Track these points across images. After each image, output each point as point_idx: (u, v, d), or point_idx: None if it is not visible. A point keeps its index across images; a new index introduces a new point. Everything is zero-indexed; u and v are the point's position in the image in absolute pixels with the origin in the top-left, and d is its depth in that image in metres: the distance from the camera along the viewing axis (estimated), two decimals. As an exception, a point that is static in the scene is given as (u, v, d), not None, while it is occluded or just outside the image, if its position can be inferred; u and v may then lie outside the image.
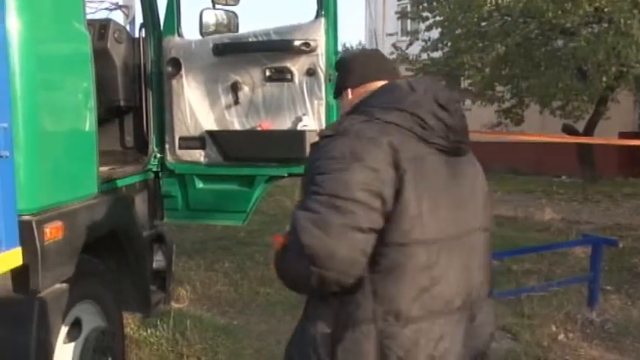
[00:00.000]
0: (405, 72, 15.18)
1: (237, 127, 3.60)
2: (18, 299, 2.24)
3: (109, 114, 3.73)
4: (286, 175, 3.61)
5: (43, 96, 2.29)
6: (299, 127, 3.45)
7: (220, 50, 3.53)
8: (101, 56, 3.59)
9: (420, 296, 1.48)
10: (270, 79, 3.50)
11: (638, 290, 5.24)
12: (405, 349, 1.46)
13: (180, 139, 3.71)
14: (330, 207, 1.42)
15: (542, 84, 10.91)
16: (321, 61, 3.40)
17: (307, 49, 3.38)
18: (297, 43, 3.37)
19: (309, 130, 3.40)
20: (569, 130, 13.63)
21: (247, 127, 3.58)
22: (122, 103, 3.70)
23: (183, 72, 3.63)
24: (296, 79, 3.45)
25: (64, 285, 2.46)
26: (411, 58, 13.18)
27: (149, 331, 4.22)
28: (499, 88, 12.86)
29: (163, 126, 3.75)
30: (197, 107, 3.65)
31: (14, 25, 2.17)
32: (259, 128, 3.53)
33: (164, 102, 3.72)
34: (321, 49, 3.40)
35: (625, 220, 8.99)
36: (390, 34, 16.41)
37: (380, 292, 1.46)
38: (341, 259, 1.42)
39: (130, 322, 4.27)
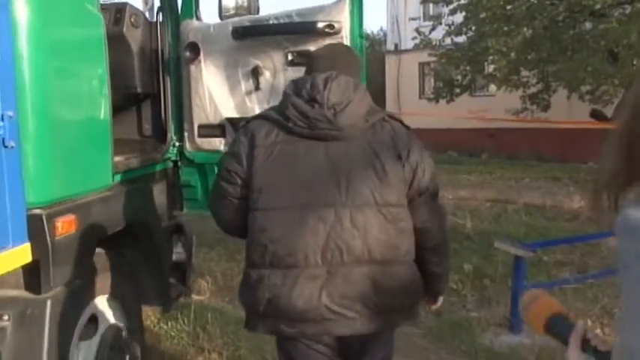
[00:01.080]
0: (428, 57, 14.93)
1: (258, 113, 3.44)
2: (29, 297, 2.12)
3: (125, 101, 3.60)
4: (310, 164, 3.45)
5: (54, 82, 2.16)
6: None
7: (240, 34, 3.37)
8: (117, 41, 3.46)
9: (260, 249, 1.91)
10: (292, 63, 3.34)
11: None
12: (250, 285, 1.95)
13: (200, 126, 3.57)
14: (215, 184, 2.09)
15: (571, 68, 10.56)
16: (345, 43, 3.22)
17: (331, 31, 3.20)
18: (320, 25, 3.20)
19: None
20: (597, 115, 13.26)
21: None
22: (139, 89, 3.57)
23: (201, 57, 3.48)
24: (319, 63, 3.27)
25: (78, 281, 2.33)
26: (434, 43, 12.90)
27: (169, 324, 4.12)
28: (524, 73, 12.53)
29: (182, 113, 3.61)
30: (216, 93, 3.50)
31: (21, 7, 2.03)
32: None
33: (182, 88, 3.57)
34: (346, 32, 3.22)
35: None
36: (413, 19, 16.08)
37: (246, 245, 1.97)
38: (219, 220, 2.12)
39: (151, 316, 4.18)
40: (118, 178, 2.71)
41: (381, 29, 25.23)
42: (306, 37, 3.28)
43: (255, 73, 3.41)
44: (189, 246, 3.75)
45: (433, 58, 14.16)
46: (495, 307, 4.46)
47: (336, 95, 1.93)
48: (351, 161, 1.93)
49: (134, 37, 3.50)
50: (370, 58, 35.78)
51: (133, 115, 3.75)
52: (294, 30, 3.29)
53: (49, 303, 2.09)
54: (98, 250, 2.65)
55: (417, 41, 13.45)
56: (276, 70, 3.39)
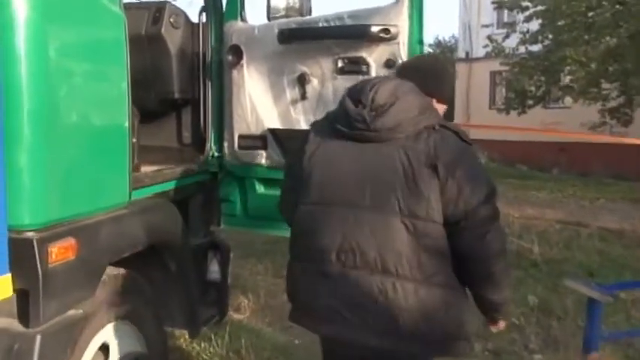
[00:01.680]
0: (500, 66, 14.29)
1: (303, 125, 3.13)
2: (19, 331, 1.87)
3: (162, 107, 3.37)
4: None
5: (56, 85, 1.89)
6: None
7: (286, 37, 3.06)
8: (155, 42, 3.23)
9: (292, 241, 2.07)
10: (342, 71, 3.01)
11: None
12: (287, 276, 2.11)
13: (240, 137, 3.29)
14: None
15: (659, 82, 9.76)
16: (402, 50, 2.86)
17: (386, 36, 2.85)
18: (374, 29, 2.85)
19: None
20: (684, 133, 12.31)
21: (315, 126, 3.10)
22: (177, 95, 3.32)
23: (244, 61, 3.20)
24: (372, 72, 2.93)
25: (82, 311, 2.07)
26: (507, 51, 12.29)
27: (202, 345, 3.85)
28: (605, 85, 11.72)
29: (222, 122, 3.33)
30: (259, 102, 3.21)
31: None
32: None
33: (224, 95, 3.30)
34: (403, 37, 2.86)
35: None
36: (486, 26, 15.41)
37: None
38: (281, 210, 2.26)
39: (184, 334, 3.92)
40: (138, 193, 2.44)
41: (453, 36, 24.58)
42: (358, 42, 2.95)
43: (302, 80, 3.10)
44: (226, 265, 3.46)
45: (505, 67, 13.52)
46: (563, 351, 3.96)
47: (382, 97, 1.90)
48: (382, 165, 1.88)
49: (173, 39, 3.25)
50: (440, 65, 35.25)
51: (170, 122, 3.50)
52: (345, 34, 2.95)
53: (38, 338, 1.84)
54: (115, 271, 2.39)
55: (489, 49, 12.86)
56: (325, 79, 3.07)
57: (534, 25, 11.58)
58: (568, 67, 11.34)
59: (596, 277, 5.65)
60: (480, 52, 16.34)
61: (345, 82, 2.99)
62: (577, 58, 10.52)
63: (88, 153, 2.05)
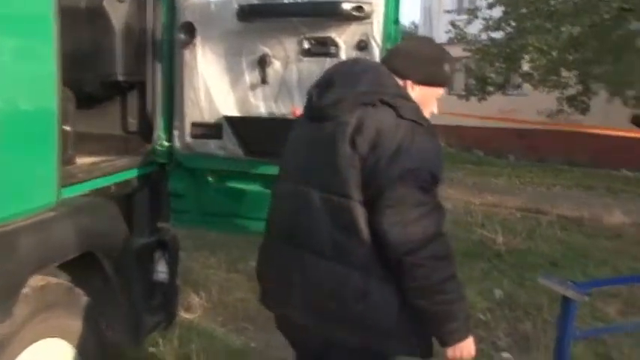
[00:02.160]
0: (461, 52, 14.14)
1: (263, 113, 2.81)
2: None
3: (104, 90, 2.98)
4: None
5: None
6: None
7: (246, 14, 2.72)
8: (96, 17, 2.85)
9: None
10: (308, 52, 2.70)
11: None
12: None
13: (193, 125, 2.94)
14: None
15: (618, 71, 9.74)
16: (376, 31, 2.57)
17: (359, 14, 2.55)
18: (346, 6, 2.54)
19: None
20: (638, 121, 12.45)
21: (277, 113, 2.79)
22: (121, 77, 2.94)
23: (198, 40, 2.85)
24: (342, 54, 2.63)
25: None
26: (469, 37, 12.13)
27: (150, 350, 3.52)
28: (564, 73, 11.72)
29: (172, 108, 2.98)
30: (214, 86, 2.87)
31: None
32: (292, 116, 2.72)
33: (174, 77, 2.94)
34: (378, 16, 2.57)
35: None
36: (448, 11, 15.28)
37: None
38: None
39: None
40: (70, 191, 2.09)
41: (414, 22, 24.42)
42: (327, 21, 2.64)
43: (263, 63, 2.77)
44: (174, 266, 3.13)
45: (464, 54, 13.39)
46: (535, 352, 3.78)
47: (334, 75, 1.90)
48: (318, 142, 1.84)
49: (117, 13, 2.87)
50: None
51: (114, 108, 3.11)
52: (313, 12, 2.63)
53: None
54: (42, 282, 2.04)
55: (452, 35, 12.69)
56: (289, 61, 2.75)
57: (497, 11, 11.45)
58: (529, 55, 11.26)
59: (560, 268, 5.56)
60: (441, 37, 16.20)
61: (311, 65, 2.69)
62: (539, 45, 10.44)
63: (2, 145, 1.69)
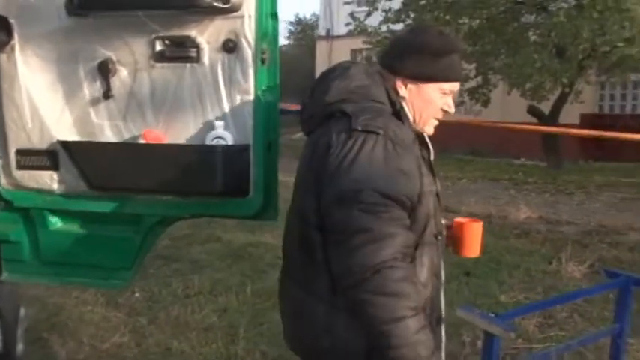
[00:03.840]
0: (362, 44, 13.87)
1: (108, 136, 2.18)
2: None
3: None
4: (188, 216, 2.23)
5: None
6: (209, 139, 2.05)
7: (76, 5, 2.07)
8: None
9: None
10: (162, 57, 2.10)
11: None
12: None
13: (19, 153, 2.26)
14: None
15: (517, 63, 9.72)
16: (247, 27, 2.01)
17: (224, 6, 1.97)
18: (206, -4, 1.96)
19: (225, 146, 2.02)
20: (535, 112, 12.68)
21: (126, 136, 2.17)
22: None
23: (16, 41, 2.17)
24: (205, 58, 2.05)
25: None
26: (369, 30, 11.82)
27: None
28: (465, 65, 11.67)
29: (-10, 131, 2.28)
30: (42, 101, 2.20)
31: None
32: (143, 140, 2.11)
33: (-11, 91, 2.24)
34: (249, 8, 2.01)
35: (609, 219, 7.96)
36: (347, 3, 14.94)
37: None
38: None
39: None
40: None
41: (314, 14, 24.04)
42: (184, 15, 2.04)
43: (105, 70, 2.14)
44: (12, 330, 2.44)
45: (366, 46, 13.10)
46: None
47: (317, 84, 1.69)
48: (301, 161, 1.69)
49: None
50: (302, 43, 34.76)
51: None
52: (163, 3, 2.02)
53: None
54: None
55: (352, 27, 12.34)
56: (138, 68, 2.13)
57: (396, 3, 11.20)
58: (429, 47, 11.09)
59: (474, 278, 5.24)
60: (341, 29, 15.89)
61: (167, 73, 2.09)
62: (438, 37, 10.26)
63: None
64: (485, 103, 12.01)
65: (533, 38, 10.51)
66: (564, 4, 9.75)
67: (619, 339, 3.50)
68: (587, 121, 14.88)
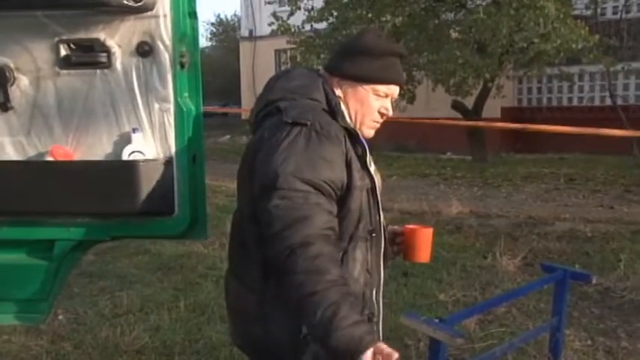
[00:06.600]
0: (285, 45, 13.75)
1: (10, 153, 1.93)
2: None
3: None
4: (108, 238, 2.01)
5: None
6: (126, 153, 1.84)
7: (-36, 6, 1.81)
8: None
9: None
10: (68, 62, 1.87)
11: (603, 331, 4.15)
12: None
13: None
14: None
15: (441, 59, 9.85)
16: (163, 28, 1.82)
17: (136, 4, 1.77)
18: (115, -7, 1.75)
19: (144, 161, 1.82)
20: (459, 107, 12.95)
21: (30, 153, 1.92)
22: None
23: None
24: (117, 64, 1.84)
25: None
26: (293, 30, 11.70)
27: None
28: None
29: None
30: None
31: None
32: (51, 157, 1.88)
33: None
34: (164, 7, 1.81)
35: (536, 210, 8.18)
36: (269, 2, 14.76)
37: None
38: None
39: None
40: None
41: (235, 14, 23.70)
42: (91, 15, 1.82)
43: (3, 80, 1.89)
44: None
45: (290, 45, 12.99)
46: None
47: (264, 87, 1.76)
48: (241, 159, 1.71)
49: None
50: (224, 44, 34.21)
51: None
52: (65, 3, 1.80)
53: None
54: None
55: (275, 27, 12.18)
56: (41, 76, 1.89)
57: (319, 2, 11.13)
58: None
59: (411, 278, 5.19)
60: (264, 30, 15.70)
61: (74, 81, 1.87)
62: (363, 35, 10.28)
63: None
64: (411, 99, 12.13)
65: (454, 35, 10.69)
66: (481, 2, 9.98)
67: (558, 332, 3.52)
68: (508, 114, 15.37)
